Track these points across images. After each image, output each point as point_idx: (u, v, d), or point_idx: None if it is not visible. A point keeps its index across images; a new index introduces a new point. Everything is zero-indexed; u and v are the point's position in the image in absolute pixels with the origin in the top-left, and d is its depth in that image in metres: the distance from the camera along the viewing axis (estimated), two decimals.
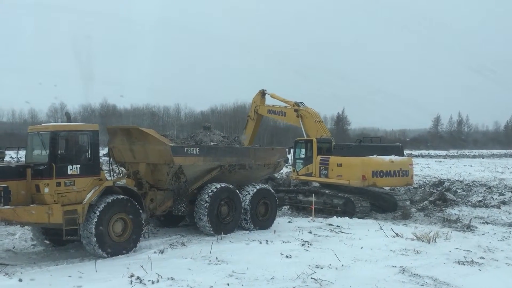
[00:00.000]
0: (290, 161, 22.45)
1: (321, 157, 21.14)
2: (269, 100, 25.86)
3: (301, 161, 22.26)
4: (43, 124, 13.62)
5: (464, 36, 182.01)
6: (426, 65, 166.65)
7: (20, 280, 10.36)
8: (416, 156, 64.74)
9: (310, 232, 15.64)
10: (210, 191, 15.41)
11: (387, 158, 20.14)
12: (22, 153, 13.50)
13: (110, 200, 12.74)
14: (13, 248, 14.02)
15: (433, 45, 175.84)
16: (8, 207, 11.36)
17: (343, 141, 23.52)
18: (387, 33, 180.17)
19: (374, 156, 19.94)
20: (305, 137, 22.70)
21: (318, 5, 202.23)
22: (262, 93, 25.65)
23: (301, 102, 24.06)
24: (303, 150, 22.33)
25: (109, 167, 15.18)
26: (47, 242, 13.98)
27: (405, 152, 21.78)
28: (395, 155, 20.47)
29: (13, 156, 15.30)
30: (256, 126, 26.15)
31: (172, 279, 10.28)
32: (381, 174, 19.85)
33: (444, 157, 66.94)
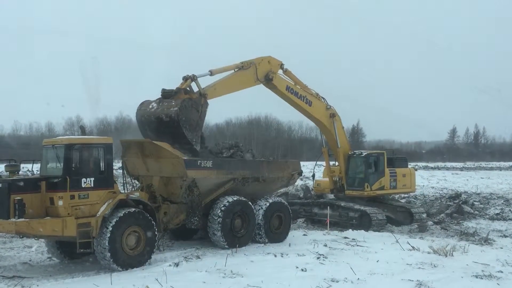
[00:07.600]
0: (337, 176, 22.01)
1: (389, 169, 21.58)
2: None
3: (373, 175, 21.36)
4: (57, 138, 13.69)
5: (471, 57, 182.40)
6: (437, 83, 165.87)
7: None
8: (432, 168, 64.09)
9: (325, 245, 15.51)
10: (222, 205, 15.32)
11: None
12: (37, 166, 13.58)
13: (123, 214, 12.73)
14: (30, 261, 14.09)
15: (446, 65, 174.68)
16: (23, 219, 11.44)
17: None
18: (396, 53, 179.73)
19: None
20: (341, 146, 21.45)
21: (325, 24, 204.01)
22: (281, 66, 19.20)
23: (323, 99, 20.83)
24: (374, 164, 21.49)
25: (123, 180, 15.21)
26: (57, 256, 14.00)
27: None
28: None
29: (28, 169, 15.37)
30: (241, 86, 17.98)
31: None
32: None
33: (461, 169, 66.07)
